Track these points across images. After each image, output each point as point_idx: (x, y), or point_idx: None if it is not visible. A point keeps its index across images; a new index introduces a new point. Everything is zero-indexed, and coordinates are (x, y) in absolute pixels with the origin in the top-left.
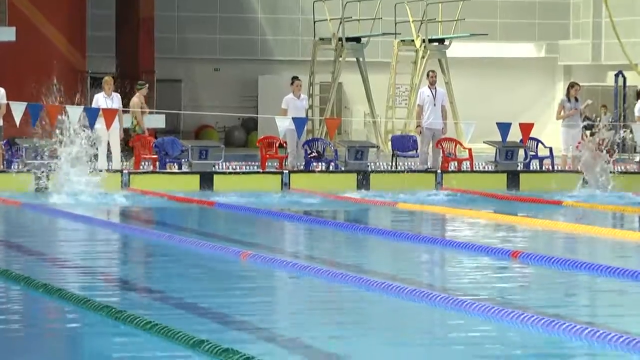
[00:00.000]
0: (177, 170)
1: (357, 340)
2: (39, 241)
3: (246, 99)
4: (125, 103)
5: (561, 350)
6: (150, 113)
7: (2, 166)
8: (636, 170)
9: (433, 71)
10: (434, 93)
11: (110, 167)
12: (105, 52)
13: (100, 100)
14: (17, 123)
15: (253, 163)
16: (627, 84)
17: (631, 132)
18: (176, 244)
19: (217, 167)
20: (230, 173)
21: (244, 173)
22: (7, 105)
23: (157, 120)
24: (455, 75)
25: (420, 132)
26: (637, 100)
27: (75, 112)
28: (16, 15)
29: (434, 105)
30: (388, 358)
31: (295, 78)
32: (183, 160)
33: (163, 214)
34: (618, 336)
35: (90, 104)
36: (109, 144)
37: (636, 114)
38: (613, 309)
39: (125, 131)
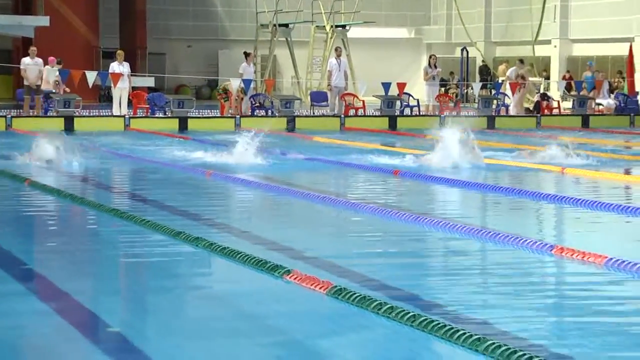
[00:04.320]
0: (162, 116)
1: (287, 231)
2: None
3: (210, 67)
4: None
5: (424, 237)
6: (144, 76)
7: (40, 113)
8: (475, 114)
9: (339, 47)
10: (339, 62)
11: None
12: (112, 34)
13: (115, 67)
14: (51, 83)
15: (215, 110)
16: (469, 55)
17: (472, 89)
18: (161, 166)
19: (190, 113)
20: (199, 117)
21: (208, 117)
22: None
23: (148, 81)
24: (353, 50)
25: (330, 89)
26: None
27: (91, 75)
28: (49, 7)
29: (339, 70)
30: (304, 242)
31: (249, 53)
32: (167, 108)
33: (154, 146)
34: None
35: (106, 69)
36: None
37: (507, 79)
38: (444, 204)
39: None
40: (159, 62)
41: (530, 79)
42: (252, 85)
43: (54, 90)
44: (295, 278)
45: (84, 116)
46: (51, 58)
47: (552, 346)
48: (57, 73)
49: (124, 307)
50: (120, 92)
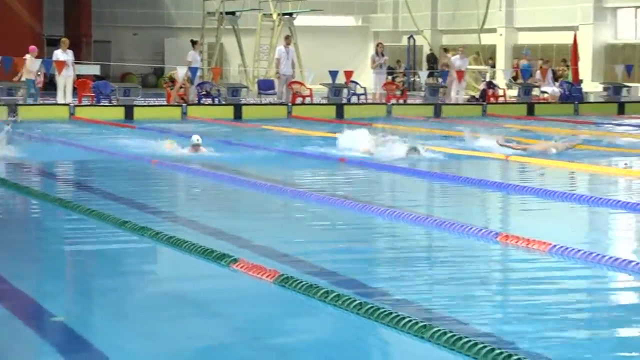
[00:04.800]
0: (108, 104)
1: (234, 219)
2: None
3: (156, 55)
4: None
5: (371, 225)
6: (89, 64)
7: None
8: (421, 102)
9: (289, 35)
10: (287, 50)
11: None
12: (56, 22)
13: (59, 54)
14: (33, 73)
15: (161, 99)
16: (416, 44)
17: (419, 77)
18: (107, 155)
19: (136, 102)
20: (145, 105)
21: (154, 106)
22: None
23: (93, 69)
24: (301, 38)
25: (278, 77)
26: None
27: (35, 63)
28: None
29: (287, 58)
30: (251, 231)
31: (196, 41)
32: (112, 97)
33: (98, 135)
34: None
35: (51, 57)
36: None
37: (456, 68)
38: (396, 194)
39: None
40: (104, 50)
41: (476, 67)
42: (198, 74)
43: (34, 79)
44: (242, 267)
45: (28, 104)
46: (32, 47)
47: (496, 332)
48: (41, 62)
49: (69, 296)
50: (65, 80)
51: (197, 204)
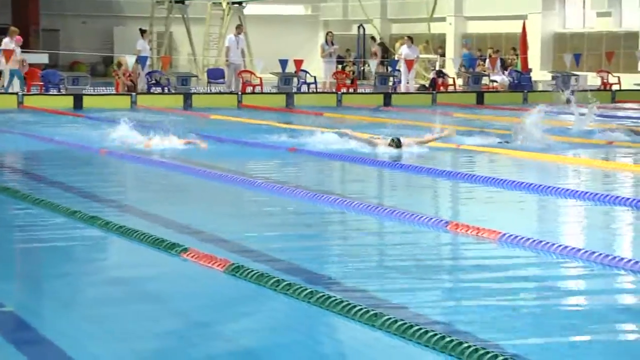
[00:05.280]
0: (57, 93)
1: (184, 209)
2: None
3: (105, 43)
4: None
5: (321, 214)
6: (37, 52)
7: None
8: (371, 92)
9: (241, 25)
10: (237, 39)
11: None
12: (4, 10)
13: (8, 43)
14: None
15: (110, 87)
16: (366, 33)
17: (369, 65)
18: (55, 145)
19: (85, 90)
20: (94, 94)
21: (104, 94)
22: None
23: (42, 58)
24: (250, 27)
25: (228, 66)
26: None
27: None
28: None
29: (237, 47)
30: (201, 220)
31: (145, 30)
32: (61, 86)
33: (46, 124)
34: (345, 200)
35: None
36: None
37: (403, 57)
38: (350, 183)
39: None
40: (52, 39)
41: (426, 55)
42: (148, 62)
43: (17, 68)
44: (192, 256)
45: None
46: (18, 37)
47: (447, 320)
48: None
49: (18, 286)
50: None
51: (147, 193)
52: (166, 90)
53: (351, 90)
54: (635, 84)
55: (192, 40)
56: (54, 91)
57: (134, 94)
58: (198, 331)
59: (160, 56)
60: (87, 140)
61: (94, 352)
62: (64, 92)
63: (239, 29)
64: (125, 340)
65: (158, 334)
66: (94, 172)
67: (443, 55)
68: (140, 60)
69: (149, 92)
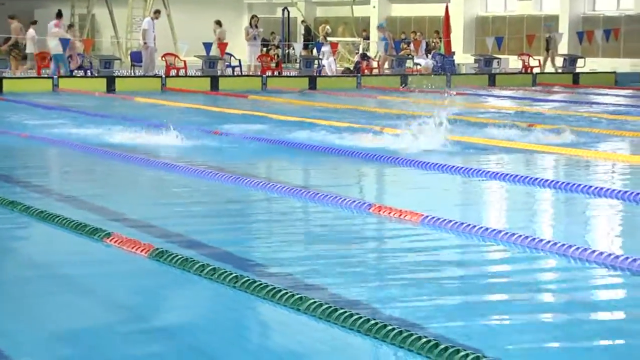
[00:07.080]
0: None
1: (106, 193)
2: None
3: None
4: None
5: (245, 198)
6: None
7: None
8: (296, 75)
9: (159, 10)
10: (153, 23)
11: None
12: None
13: None
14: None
15: (32, 70)
16: (290, 16)
17: (293, 49)
18: None
19: (5, 74)
20: (15, 78)
21: (24, 78)
22: None
23: None
24: (174, 10)
25: (146, 48)
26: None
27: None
28: None
29: (153, 31)
30: (124, 205)
31: (61, 14)
32: None
33: None
34: (280, 185)
35: None
36: None
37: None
38: (284, 171)
39: None
40: None
41: (350, 39)
42: (69, 45)
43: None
44: (115, 241)
45: None
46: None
47: (371, 302)
48: None
49: None
50: None
51: (68, 177)
52: (89, 74)
53: (276, 73)
54: (555, 66)
55: (115, 22)
56: None
57: (55, 77)
58: (121, 316)
59: (83, 39)
60: (7, 124)
61: (14, 337)
62: None
63: (157, 14)
64: (45, 324)
65: (80, 320)
66: (15, 156)
67: (367, 38)
68: (62, 43)
69: (71, 76)
